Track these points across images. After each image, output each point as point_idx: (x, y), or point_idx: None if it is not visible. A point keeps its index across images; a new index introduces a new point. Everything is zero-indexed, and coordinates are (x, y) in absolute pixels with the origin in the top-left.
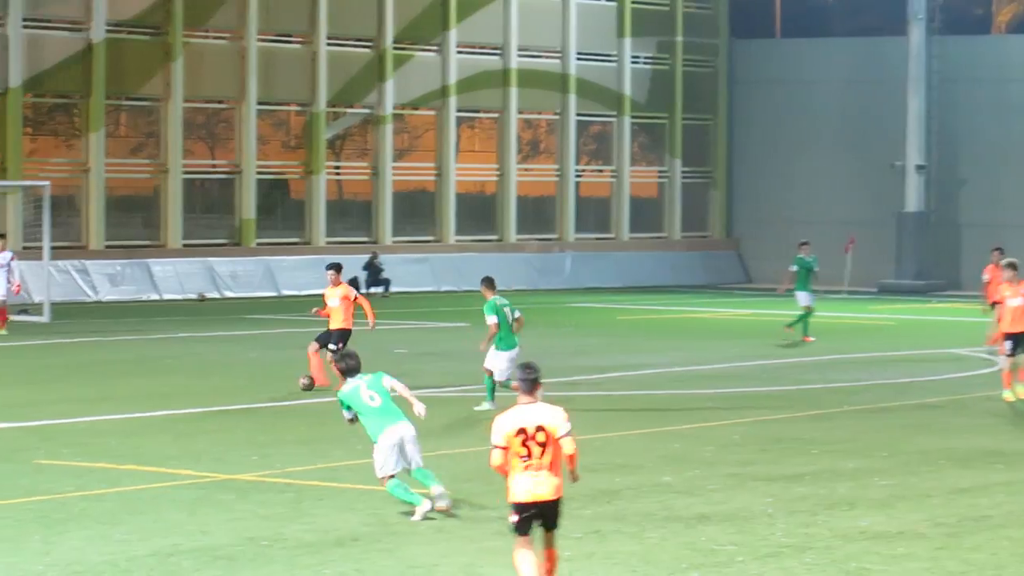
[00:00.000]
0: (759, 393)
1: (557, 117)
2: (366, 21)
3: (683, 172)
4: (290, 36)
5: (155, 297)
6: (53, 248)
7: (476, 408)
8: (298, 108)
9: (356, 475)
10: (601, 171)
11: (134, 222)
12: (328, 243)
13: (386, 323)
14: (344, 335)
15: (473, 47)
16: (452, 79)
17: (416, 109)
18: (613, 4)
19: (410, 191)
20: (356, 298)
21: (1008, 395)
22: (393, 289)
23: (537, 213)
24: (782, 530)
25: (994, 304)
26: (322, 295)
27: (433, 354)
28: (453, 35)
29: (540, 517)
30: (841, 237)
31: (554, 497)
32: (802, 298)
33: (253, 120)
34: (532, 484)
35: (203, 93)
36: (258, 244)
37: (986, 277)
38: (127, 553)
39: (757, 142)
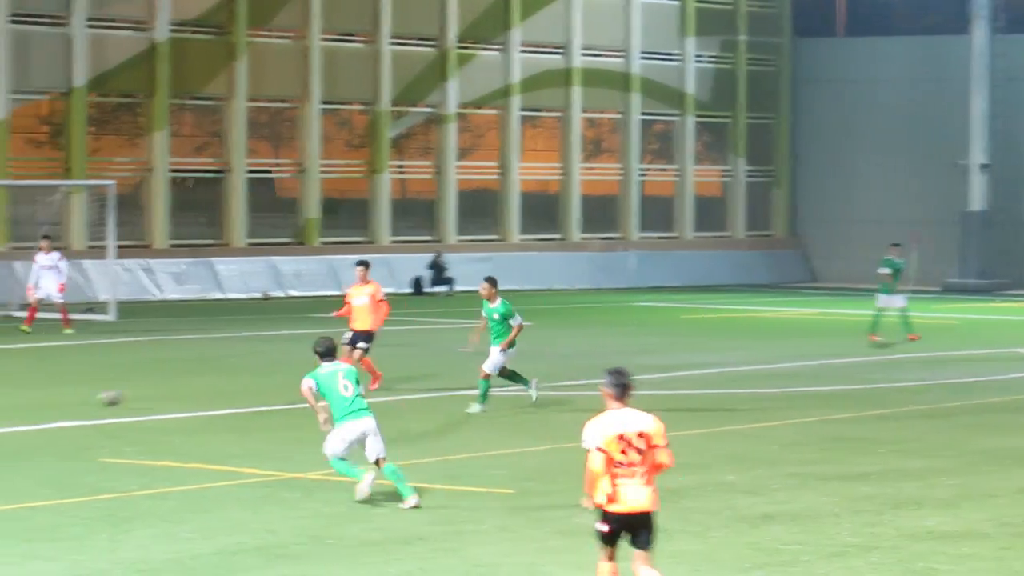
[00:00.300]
0: (823, 392)
1: (620, 116)
2: (429, 20)
3: (746, 171)
4: (353, 35)
5: (219, 296)
6: (118, 247)
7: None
8: (361, 107)
9: (421, 474)
10: (664, 170)
11: (198, 221)
12: (392, 242)
13: (450, 322)
14: (369, 335)
15: (536, 46)
16: (515, 78)
17: (479, 108)
18: (676, 3)
19: (474, 190)
20: (380, 299)
21: None
22: (457, 288)
23: (600, 212)
24: (848, 529)
25: None
26: (344, 294)
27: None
28: (516, 34)
29: (632, 529)
30: (905, 236)
31: (651, 508)
32: (894, 300)
33: (317, 119)
34: (628, 493)
35: (266, 92)
36: (322, 243)
37: None
38: (192, 551)
39: (820, 141)
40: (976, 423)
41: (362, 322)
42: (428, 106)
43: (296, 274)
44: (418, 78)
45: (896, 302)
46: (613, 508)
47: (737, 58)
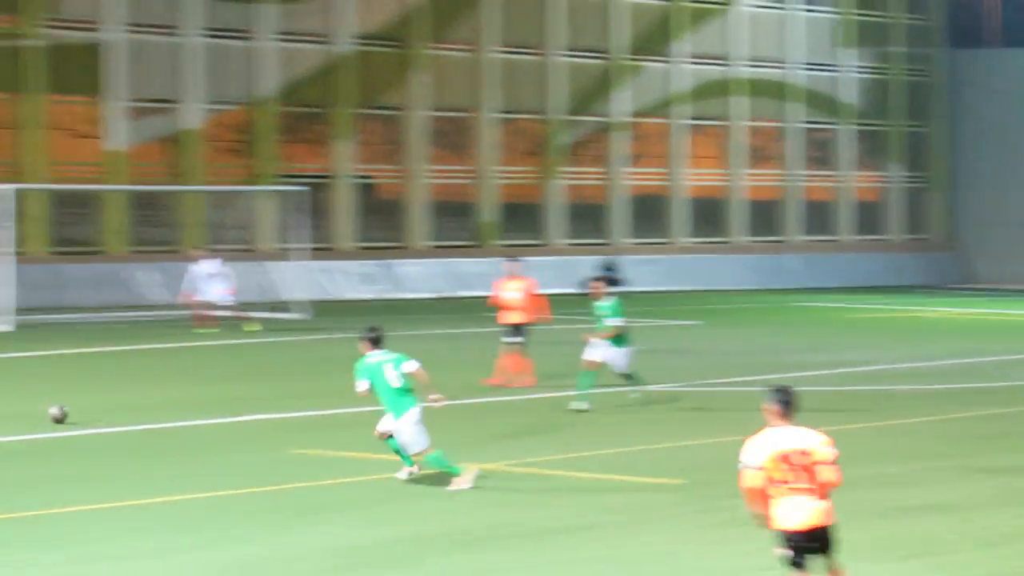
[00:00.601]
0: (985, 388)
1: (781, 124)
2: (597, 34)
3: (903, 177)
4: (526, 48)
5: (400, 296)
6: (308, 249)
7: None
8: (534, 117)
9: (597, 464)
10: (824, 176)
11: (382, 225)
12: (565, 245)
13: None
14: (521, 329)
15: (700, 58)
16: (680, 88)
17: (646, 117)
18: (833, 16)
19: (642, 195)
20: (535, 294)
21: None
22: (627, 289)
23: (763, 216)
24: (1004, 520)
25: None
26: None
27: (665, 351)
28: (680, 47)
29: (813, 544)
30: None
31: (826, 522)
32: None
33: (492, 128)
34: (800, 510)
35: (444, 103)
36: (498, 245)
37: None
38: (380, 537)
39: (977, 148)
40: None
41: (513, 316)
42: (598, 115)
43: (474, 275)
44: (588, 89)
45: None
46: (790, 527)
47: (892, 68)
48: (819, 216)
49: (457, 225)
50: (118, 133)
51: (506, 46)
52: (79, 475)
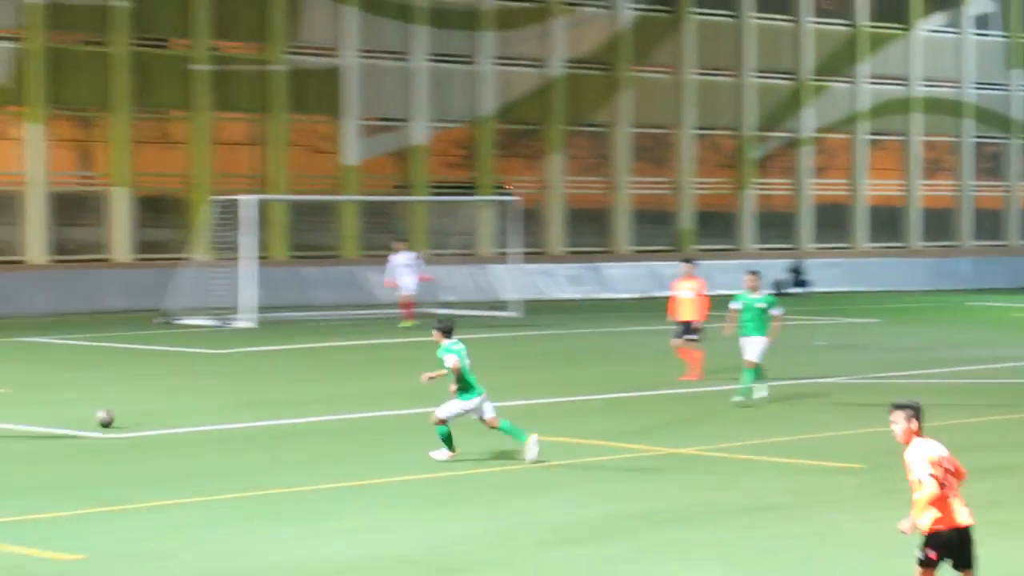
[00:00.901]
0: None
1: (954, 139)
2: (787, 57)
3: None
4: (721, 70)
5: (606, 296)
6: (522, 254)
7: (755, 396)
8: (728, 133)
9: (780, 450)
10: (994, 186)
11: (589, 231)
12: (756, 249)
13: (808, 319)
14: (695, 327)
15: (880, 78)
16: (862, 106)
17: (831, 132)
18: (1004, 40)
19: (826, 204)
20: (703, 294)
21: None
22: (813, 290)
23: (938, 223)
24: None
25: None
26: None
27: (847, 346)
28: (863, 68)
29: (958, 546)
30: None
31: (973, 522)
32: None
33: (690, 143)
34: (956, 512)
35: (646, 120)
36: (695, 250)
37: None
38: (587, 515)
39: None
40: None
41: (686, 314)
42: (786, 131)
43: (672, 276)
44: (778, 107)
45: None
46: (945, 526)
47: None
48: (989, 223)
49: (657, 231)
50: (352, 149)
51: (703, 68)
52: (316, 457)
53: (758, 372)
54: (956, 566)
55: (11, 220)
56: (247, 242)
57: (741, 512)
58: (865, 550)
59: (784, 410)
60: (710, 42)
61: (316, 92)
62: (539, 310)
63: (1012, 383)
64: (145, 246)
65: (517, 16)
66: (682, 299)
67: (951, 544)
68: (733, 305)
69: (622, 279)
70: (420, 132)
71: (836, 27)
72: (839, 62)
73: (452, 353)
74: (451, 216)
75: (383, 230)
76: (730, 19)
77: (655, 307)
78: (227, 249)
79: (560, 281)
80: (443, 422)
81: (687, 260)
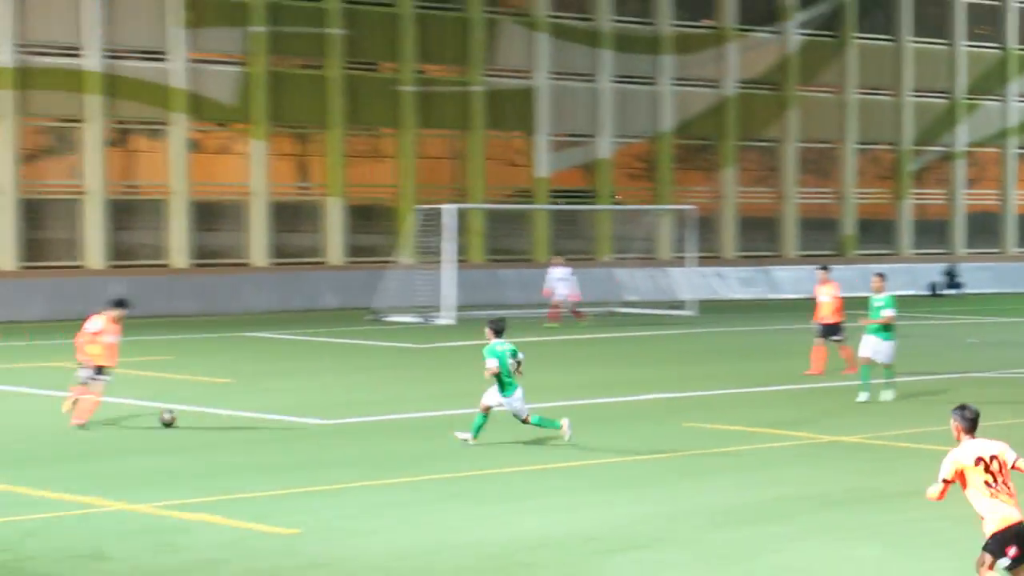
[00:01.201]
0: None
1: None
2: (942, 77)
3: None
4: (881, 90)
5: (775, 296)
6: (697, 258)
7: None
8: (888, 147)
9: (936, 439)
10: None
11: (759, 237)
12: (913, 254)
13: (961, 318)
14: (836, 328)
15: None
16: (1012, 123)
17: (982, 147)
18: None
19: (978, 212)
20: (836, 296)
21: None
22: (965, 291)
23: None
24: None
25: None
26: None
27: (999, 343)
28: (1012, 87)
29: (1018, 539)
30: None
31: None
32: None
33: (852, 157)
34: (1002, 510)
35: (812, 136)
36: (856, 254)
37: None
38: (757, 497)
39: None
40: None
41: (827, 316)
42: (941, 145)
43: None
44: (933, 123)
45: None
46: (998, 527)
47: None
48: None
49: (822, 237)
50: (543, 162)
51: (864, 88)
52: (510, 442)
53: (889, 372)
54: (1014, 562)
55: (237, 227)
56: (448, 247)
57: (899, 496)
58: None
59: (940, 401)
60: (871, 64)
61: (511, 111)
62: (713, 309)
63: None
64: (356, 250)
65: (694, 41)
66: (821, 303)
67: (1008, 538)
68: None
69: (789, 281)
70: (605, 147)
71: (988, 50)
72: (991, 82)
73: (494, 357)
74: (633, 223)
75: (570, 236)
76: (889, 43)
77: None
78: (430, 253)
79: (732, 283)
80: (488, 409)
81: (823, 267)
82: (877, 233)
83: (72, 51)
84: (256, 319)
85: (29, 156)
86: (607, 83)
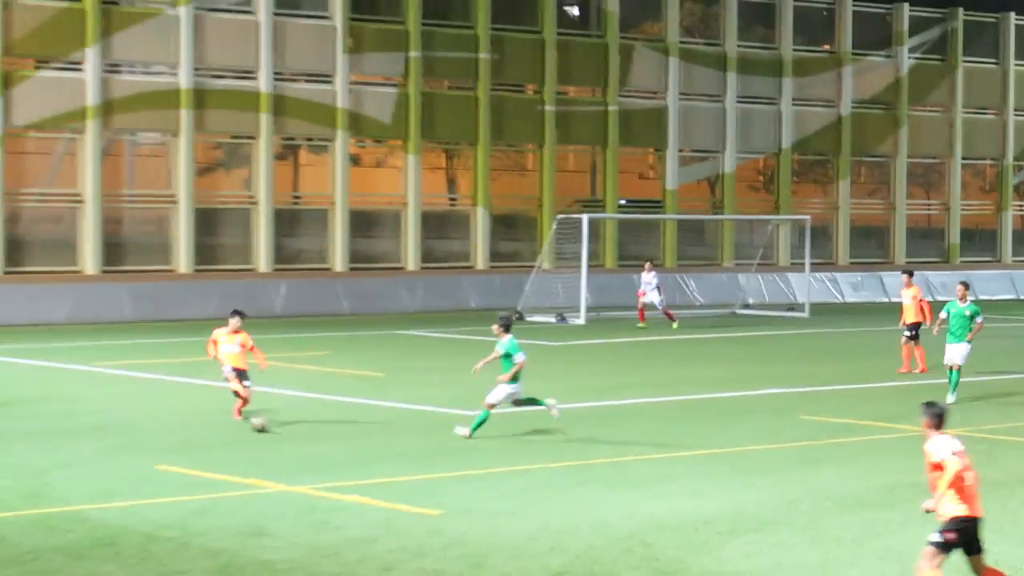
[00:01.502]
0: None
1: None
2: None
3: None
4: (986, 109)
5: (885, 300)
6: (812, 264)
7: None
8: (991, 162)
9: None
10: None
11: (870, 245)
12: (1013, 261)
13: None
14: (915, 326)
15: None
16: None
17: None
18: None
19: None
20: (922, 300)
21: None
22: None
23: None
24: None
25: None
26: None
27: None
28: None
29: (972, 534)
30: None
31: (982, 514)
32: None
33: (958, 171)
34: (971, 502)
35: (921, 151)
36: (961, 262)
37: None
38: (865, 485)
39: None
40: None
41: (909, 316)
42: None
43: (941, 284)
44: None
45: None
46: (963, 513)
47: None
48: None
49: (929, 245)
50: (672, 175)
51: (970, 107)
52: (634, 432)
53: (958, 375)
54: (968, 552)
55: (391, 234)
56: (584, 253)
57: (999, 485)
58: None
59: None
60: (976, 85)
61: (643, 128)
62: (826, 312)
63: None
64: (499, 256)
65: (813, 64)
66: (905, 305)
67: (969, 531)
68: (942, 314)
69: (898, 286)
70: (729, 162)
71: None
72: None
73: (521, 352)
74: (755, 232)
75: (696, 243)
76: (994, 66)
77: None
78: (566, 258)
79: (844, 287)
80: (492, 407)
81: (906, 272)
82: (980, 242)
83: (245, 74)
84: (407, 319)
85: (204, 169)
86: (732, 103)
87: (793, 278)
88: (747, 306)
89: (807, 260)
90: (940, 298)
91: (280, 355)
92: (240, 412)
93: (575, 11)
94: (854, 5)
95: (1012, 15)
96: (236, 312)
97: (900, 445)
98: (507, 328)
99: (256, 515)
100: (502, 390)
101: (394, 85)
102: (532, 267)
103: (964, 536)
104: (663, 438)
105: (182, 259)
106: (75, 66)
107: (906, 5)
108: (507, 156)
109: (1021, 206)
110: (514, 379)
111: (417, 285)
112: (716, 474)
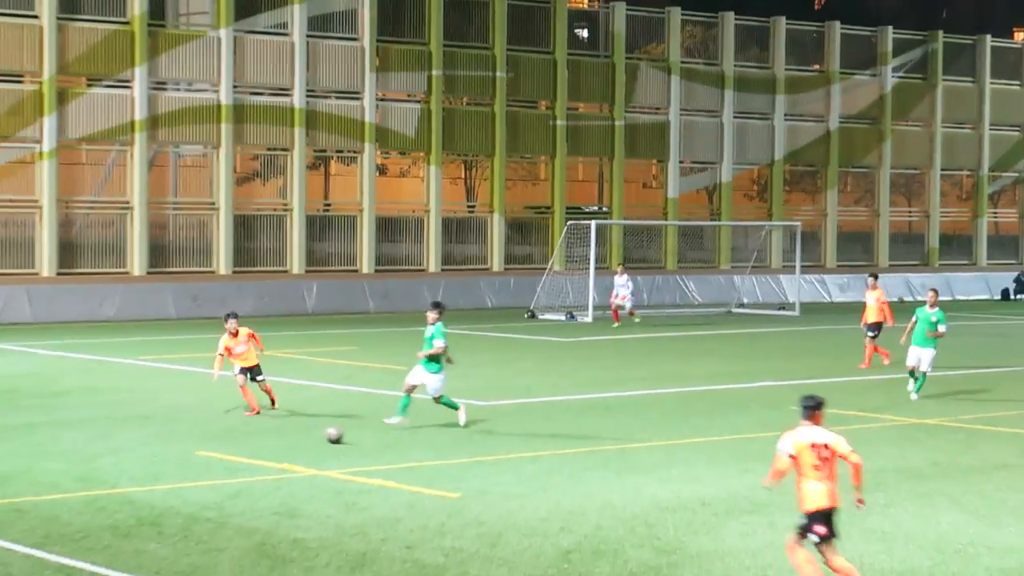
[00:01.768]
0: None
1: None
2: (1016, 113)
3: None
4: (963, 123)
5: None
6: (802, 266)
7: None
8: (968, 173)
9: (1011, 422)
10: None
11: (856, 249)
12: (988, 264)
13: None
14: (877, 326)
15: None
16: None
17: None
18: None
19: None
20: (884, 302)
21: None
22: None
23: None
24: None
25: None
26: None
27: None
28: None
29: (827, 521)
30: None
31: (835, 504)
32: None
33: (937, 181)
34: (819, 492)
35: (903, 163)
36: (940, 264)
37: None
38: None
39: None
40: None
41: (871, 317)
42: (1014, 171)
43: (920, 285)
44: (1007, 153)
45: None
46: (810, 507)
47: None
48: None
49: (910, 250)
50: (673, 185)
51: (949, 122)
52: (637, 422)
53: (924, 379)
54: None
55: (414, 239)
56: (592, 256)
57: (976, 471)
58: None
59: (1012, 390)
60: (955, 102)
61: (646, 141)
62: (815, 311)
63: None
64: (514, 259)
65: (804, 82)
66: (868, 306)
67: (821, 520)
68: (912, 319)
69: (882, 287)
70: (726, 172)
71: None
72: None
73: (442, 338)
74: (749, 237)
75: (695, 247)
76: (971, 84)
77: (908, 309)
78: (576, 261)
79: (832, 288)
80: (412, 389)
81: (872, 275)
82: (957, 246)
83: (280, 91)
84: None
85: (242, 179)
86: (729, 118)
87: (785, 279)
88: (742, 305)
89: (798, 263)
90: (920, 298)
91: (311, 350)
92: (257, 408)
93: (585, 33)
94: (842, 28)
95: (988, 38)
96: (230, 315)
97: (884, 434)
98: (441, 313)
99: (288, 497)
100: (429, 379)
101: (417, 101)
102: (544, 269)
103: (829, 523)
104: (665, 427)
105: (222, 261)
106: (124, 84)
107: (890, 28)
108: (521, 167)
109: (995, 213)
110: (436, 364)
111: (438, 285)
112: (714, 461)
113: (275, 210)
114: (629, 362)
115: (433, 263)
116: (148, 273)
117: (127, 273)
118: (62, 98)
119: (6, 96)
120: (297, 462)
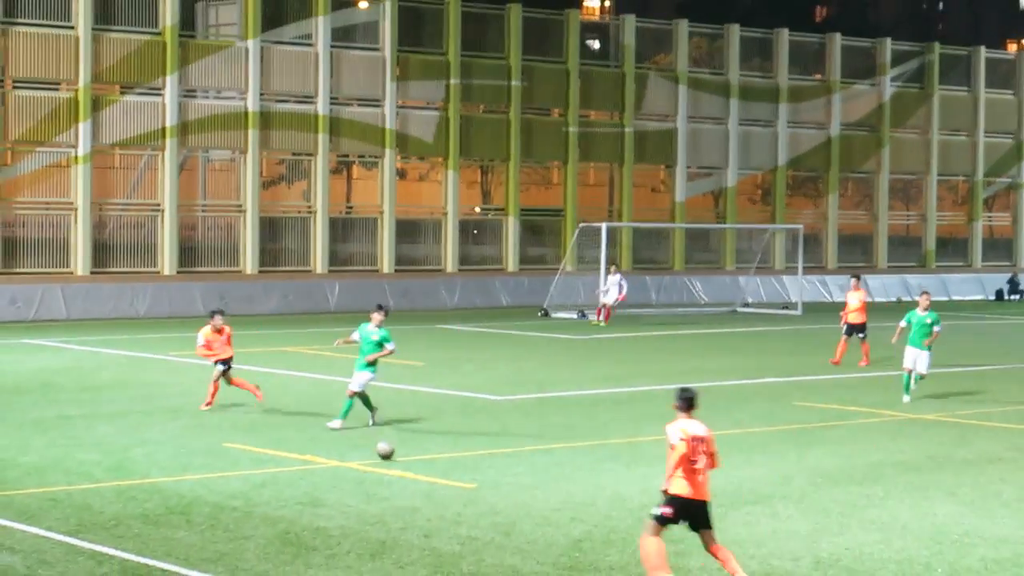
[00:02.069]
0: None
1: None
2: (1010, 120)
3: None
4: (958, 131)
5: (868, 300)
6: (804, 268)
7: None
8: (963, 178)
9: (1005, 418)
10: None
11: (856, 251)
12: (982, 265)
13: (1020, 319)
14: (860, 327)
15: None
16: None
17: None
18: None
19: None
20: (866, 301)
21: None
22: None
23: None
24: None
25: None
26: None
27: None
28: None
29: (691, 513)
30: None
31: (708, 497)
32: None
33: (934, 186)
34: (696, 485)
35: (901, 168)
36: (937, 266)
37: None
38: (850, 464)
39: None
40: None
41: (855, 317)
42: (1008, 177)
43: (917, 286)
44: (1002, 159)
45: None
46: (680, 493)
47: None
48: None
49: (908, 251)
50: (681, 189)
51: (945, 130)
52: (644, 416)
53: (920, 379)
54: (694, 527)
55: (433, 240)
56: (603, 257)
57: (970, 464)
58: None
59: (1005, 386)
60: (951, 110)
61: (655, 148)
62: (816, 310)
63: None
64: (528, 259)
65: (806, 91)
66: (850, 305)
67: (689, 510)
68: (902, 323)
69: (880, 287)
70: (731, 177)
71: None
72: None
73: (392, 342)
74: (753, 240)
75: (701, 249)
76: (966, 93)
77: (904, 308)
78: (587, 262)
79: (833, 288)
80: (356, 394)
81: (855, 276)
82: (953, 249)
83: (304, 99)
84: (446, 315)
85: (268, 182)
86: (734, 125)
87: (787, 280)
88: (746, 305)
89: (800, 264)
90: (917, 297)
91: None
92: (212, 402)
93: (596, 44)
94: (842, 40)
95: (982, 49)
96: (216, 311)
97: (883, 428)
98: (385, 315)
99: (312, 487)
100: (363, 376)
101: (436, 109)
102: (557, 269)
103: (684, 513)
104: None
105: (248, 261)
106: (156, 92)
107: (888, 40)
108: (535, 172)
109: (990, 217)
110: (373, 366)
111: (455, 285)
112: (719, 453)
113: (299, 212)
114: (637, 358)
115: (451, 263)
116: (178, 272)
117: (158, 272)
118: (96, 105)
119: (43, 103)
120: (320, 454)
